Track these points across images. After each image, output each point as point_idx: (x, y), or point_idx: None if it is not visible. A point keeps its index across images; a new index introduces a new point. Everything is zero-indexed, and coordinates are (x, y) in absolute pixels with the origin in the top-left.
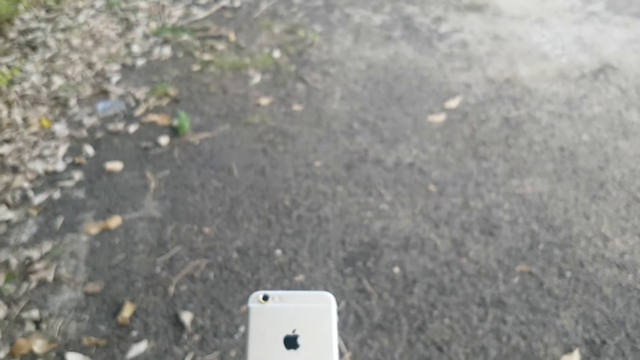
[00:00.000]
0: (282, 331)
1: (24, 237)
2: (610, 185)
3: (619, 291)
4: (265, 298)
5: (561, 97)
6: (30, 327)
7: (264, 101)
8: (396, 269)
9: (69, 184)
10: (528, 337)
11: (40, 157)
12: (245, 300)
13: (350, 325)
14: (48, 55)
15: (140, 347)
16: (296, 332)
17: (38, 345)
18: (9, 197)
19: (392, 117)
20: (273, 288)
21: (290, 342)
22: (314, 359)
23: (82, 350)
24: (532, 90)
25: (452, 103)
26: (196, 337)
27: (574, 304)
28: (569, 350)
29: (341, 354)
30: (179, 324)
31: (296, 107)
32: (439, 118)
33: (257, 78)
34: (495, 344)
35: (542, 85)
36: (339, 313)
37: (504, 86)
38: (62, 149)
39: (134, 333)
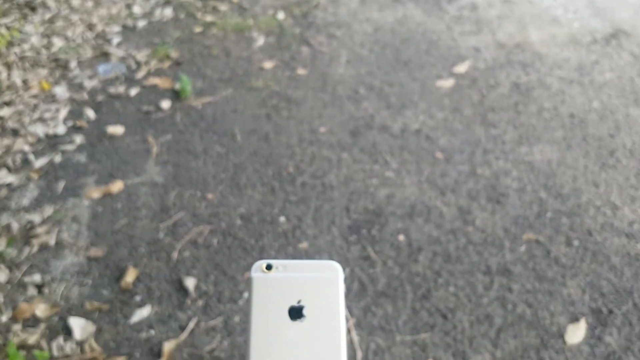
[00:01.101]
0: (286, 302)
1: (25, 201)
2: (620, 153)
3: (627, 260)
4: (269, 267)
5: (572, 63)
6: (32, 291)
7: (268, 65)
8: (401, 237)
9: (70, 147)
10: (534, 305)
11: (41, 120)
12: (249, 267)
13: (354, 292)
14: (48, 16)
15: (144, 312)
16: (301, 303)
17: (40, 310)
18: (9, 161)
19: (399, 82)
20: (277, 255)
21: (295, 313)
22: (320, 330)
23: (85, 314)
24: (543, 56)
25: (461, 68)
26: (200, 303)
27: (581, 273)
28: (575, 319)
29: (346, 320)
30: (182, 289)
31: (301, 71)
32: (447, 83)
33: (260, 40)
34: (501, 312)
35: (553, 50)
36: (344, 281)
37: (514, 51)
38: (63, 112)
39: (137, 298)
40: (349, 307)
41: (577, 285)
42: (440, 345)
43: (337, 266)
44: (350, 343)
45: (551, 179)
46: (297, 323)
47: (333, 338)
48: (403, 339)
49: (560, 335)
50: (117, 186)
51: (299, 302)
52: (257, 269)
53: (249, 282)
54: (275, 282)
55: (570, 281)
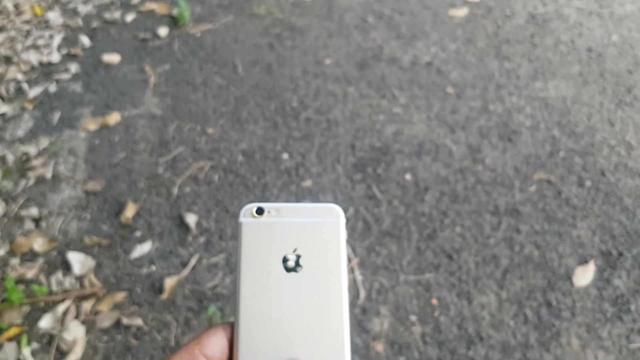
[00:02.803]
0: (280, 251)
1: (20, 132)
2: (638, 91)
3: None
4: (260, 211)
5: None
6: (29, 225)
7: None
8: (408, 176)
9: (65, 76)
10: (542, 247)
11: (34, 47)
12: None
13: (359, 232)
14: None
15: (145, 248)
16: (297, 252)
17: (38, 244)
18: (2, 90)
19: (410, 11)
20: (279, 194)
21: (291, 264)
22: (318, 283)
23: (84, 249)
24: None
25: None
26: (201, 240)
27: (592, 214)
28: (584, 261)
29: (348, 261)
30: (183, 225)
31: None
32: (460, 12)
33: None
34: (507, 253)
35: None
36: (347, 220)
37: None
38: (57, 39)
39: (138, 233)
40: (353, 247)
41: (587, 226)
42: (445, 286)
43: (338, 210)
44: (353, 282)
45: (565, 116)
46: (293, 275)
47: (333, 293)
48: (407, 278)
49: (568, 277)
50: (114, 118)
51: (294, 251)
52: (247, 214)
53: (237, 229)
54: (267, 229)
55: (580, 222)
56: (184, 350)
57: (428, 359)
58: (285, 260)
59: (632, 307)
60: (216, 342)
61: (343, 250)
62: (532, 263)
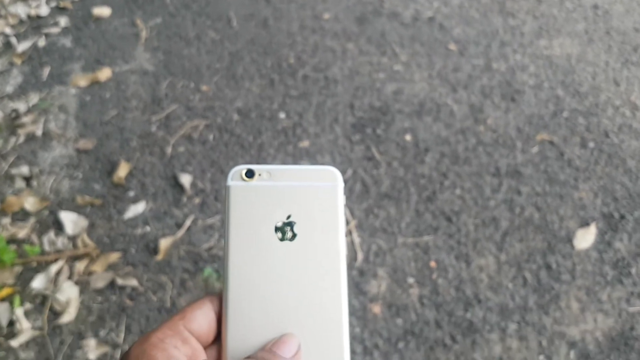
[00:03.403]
0: (273, 218)
1: (9, 88)
2: None
3: None
4: (250, 174)
5: None
6: (20, 183)
7: None
8: (408, 137)
9: (54, 30)
10: (543, 209)
11: None
12: None
13: (357, 193)
14: None
15: (139, 208)
16: (291, 219)
17: (30, 203)
18: None
19: None
20: (276, 154)
21: (284, 232)
22: (314, 253)
23: (76, 209)
24: None
25: None
26: (196, 200)
27: (594, 176)
28: (585, 224)
29: (346, 223)
30: (177, 186)
31: None
32: None
33: None
34: (508, 215)
35: None
36: (345, 183)
37: None
38: None
39: (131, 193)
40: (351, 209)
41: (589, 188)
42: (443, 248)
43: (336, 173)
44: (351, 244)
45: (570, 75)
46: (286, 245)
47: (330, 264)
48: (405, 241)
49: (569, 239)
50: (104, 74)
51: (288, 218)
52: (236, 176)
53: (225, 193)
54: (258, 194)
55: (582, 184)
56: (167, 326)
57: (425, 321)
58: (278, 228)
59: (633, 270)
60: (202, 316)
61: (341, 217)
62: (533, 225)
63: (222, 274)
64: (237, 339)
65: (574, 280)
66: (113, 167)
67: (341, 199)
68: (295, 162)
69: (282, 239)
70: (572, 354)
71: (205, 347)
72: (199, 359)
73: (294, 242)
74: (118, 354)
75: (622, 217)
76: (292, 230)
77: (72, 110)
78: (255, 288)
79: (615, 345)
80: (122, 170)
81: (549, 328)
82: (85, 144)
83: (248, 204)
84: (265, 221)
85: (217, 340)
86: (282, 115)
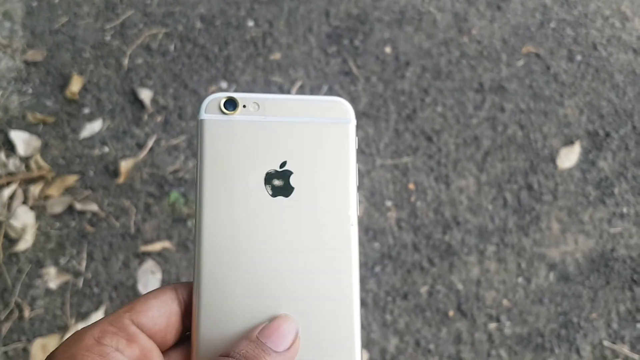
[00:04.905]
0: (262, 166)
1: None
2: None
3: (632, 79)
4: (232, 105)
5: None
6: None
7: None
8: (387, 49)
9: None
10: (527, 126)
11: None
12: (212, 80)
13: None
14: None
15: (95, 127)
16: (287, 168)
17: None
18: None
19: None
20: (245, 68)
21: (279, 184)
22: (317, 213)
23: (28, 127)
24: None
25: None
26: (158, 118)
27: (580, 92)
28: (569, 142)
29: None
30: (137, 102)
31: None
32: None
33: None
34: (490, 133)
35: None
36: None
37: None
38: None
39: (86, 110)
40: None
41: (575, 105)
42: (423, 169)
43: (346, 106)
44: None
45: None
46: (280, 201)
47: (337, 226)
48: (383, 162)
49: (552, 159)
50: None
51: (282, 166)
52: (212, 107)
53: (197, 130)
54: (243, 132)
55: (568, 100)
56: (107, 321)
57: (403, 244)
58: (269, 179)
59: (616, 190)
60: (158, 306)
61: (352, 166)
62: (515, 144)
63: (194, 241)
64: (213, 327)
65: (556, 201)
66: (65, 81)
67: (353, 142)
68: (266, 78)
69: (273, 194)
70: (551, 275)
71: (166, 351)
72: None
73: (289, 199)
74: (80, 282)
75: (607, 134)
76: (287, 182)
77: (17, 17)
78: (238, 260)
79: (595, 267)
80: (75, 85)
81: (528, 250)
82: (34, 55)
83: (228, 146)
84: (252, 170)
85: (185, 341)
86: (250, 23)
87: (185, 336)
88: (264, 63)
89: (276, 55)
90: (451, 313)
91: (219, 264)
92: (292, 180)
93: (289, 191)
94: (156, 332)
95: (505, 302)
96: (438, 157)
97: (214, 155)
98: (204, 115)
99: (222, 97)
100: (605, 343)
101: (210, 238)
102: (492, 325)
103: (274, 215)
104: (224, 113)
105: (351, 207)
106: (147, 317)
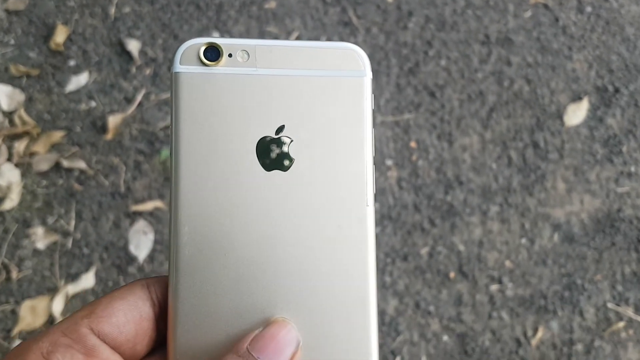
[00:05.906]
0: (255, 131)
1: None
2: None
3: None
4: (214, 54)
5: None
6: None
7: None
8: None
9: None
10: (534, 81)
11: None
12: (204, 31)
13: None
14: None
15: (81, 80)
16: (285, 133)
17: None
18: None
19: None
20: (238, 17)
21: (274, 155)
22: (324, 191)
23: (11, 81)
24: None
25: None
26: (147, 71)
27: (590, 45)
28: (577, 98)
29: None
30: (124, 53)
31: None
32: None
33: None
34: (495, 89)
35: None
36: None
37: None
38: None
39: (72, 62)
40: None
41: (583, 59)
42: (425, 127)
43: (360, 55)
44: None
45: None
46: (276, 176)
47: (350, 209)
48: (384, 120)
49: (559, 115)
50: None
51: (279, 131)
52: (190, 57)
53: (171, 84)
54: (228, 89)
55: (576, 54)
56: (60, 329)
57: (403, 204)
58: (262, 148)
59: (624, 148)
60: (125, 309)
61: (368, 130)
62: (522, 100)
63: (169, 227)
64: (193, 334)
65: (562, 159)
66: (49, 31)
67: (369, 101)
68: (260, 28)
69: (268, 168)
70: (555, 236)
71: None
72: None
73: (288, 173)
74: (69, 243)
75: (617, 90)
76: (285, 152)
77: None
78: (224, 250)
79: (601, 227)
80: (60, 35)
81: (532, 210)
82: (16, 3)
83: (209, 106)
84: (241, 138)
85: (160, 351)
86: None
87: (159, 345)
88: (259, 12)
89: (271, 4)
90: (452, 274)
91: (200, 255)
92: (292, 150)
93: (287, 164)
94: (122, 343)
95: (507, 263)
96: (441, 114)
97: (191, 119)
98: (178, 67)
99: (201, 43)
100: (610, 305)
101: (189, 224)
102: (494, 287)
103: (268, 194)
104: (204, 64)
105: (367, 184)
106: (110, 323)
